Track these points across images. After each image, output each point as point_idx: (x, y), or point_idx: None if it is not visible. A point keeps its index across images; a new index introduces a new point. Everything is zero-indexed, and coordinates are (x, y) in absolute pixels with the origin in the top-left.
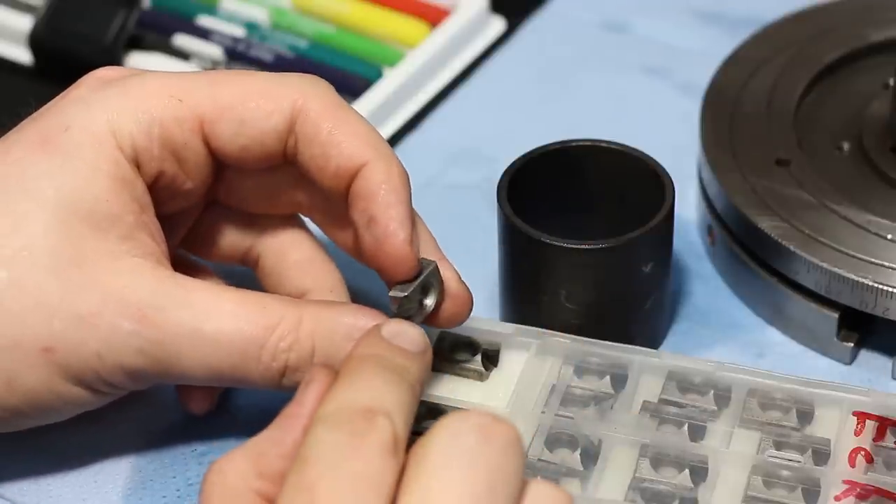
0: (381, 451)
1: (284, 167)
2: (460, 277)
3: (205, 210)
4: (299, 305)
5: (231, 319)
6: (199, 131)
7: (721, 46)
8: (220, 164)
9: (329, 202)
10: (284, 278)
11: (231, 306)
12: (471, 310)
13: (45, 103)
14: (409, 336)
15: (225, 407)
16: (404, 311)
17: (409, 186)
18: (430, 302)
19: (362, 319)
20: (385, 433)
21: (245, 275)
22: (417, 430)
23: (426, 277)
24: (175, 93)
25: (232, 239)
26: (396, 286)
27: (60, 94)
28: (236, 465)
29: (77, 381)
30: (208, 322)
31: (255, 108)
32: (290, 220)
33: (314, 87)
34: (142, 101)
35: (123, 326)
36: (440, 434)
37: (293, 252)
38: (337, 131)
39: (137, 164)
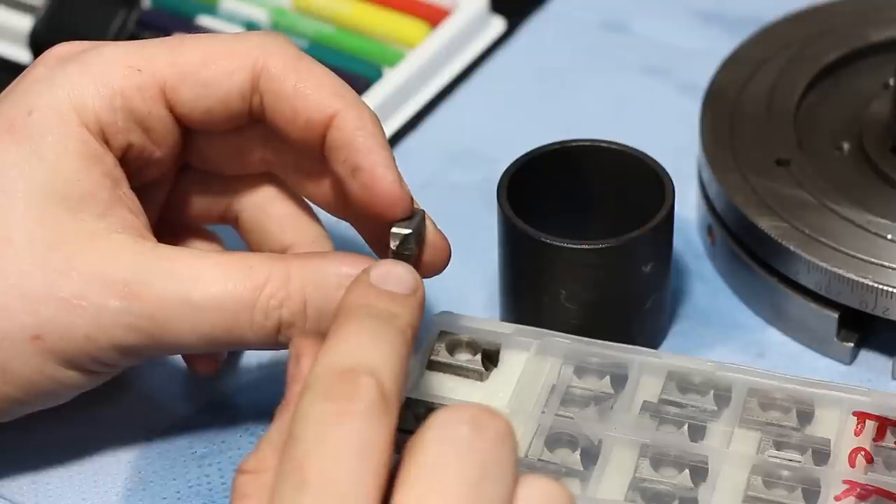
0: (368, 414)
1: (252, 127)
2: (436, 226)
3: (179, 174)
4: (286, 260)
5: (218, 284)
6: (162, 99)
7: (721, 46)
8: (188, 130)
9: (300, 158)
10: (266, 234)
11: (217, 271)
12: (449, 259)
13: None
14: (397, 277)
15: (225, 408)
16: (404, 248)
17: (383, 129)
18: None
19: (351, 267)
20: (370, 393)
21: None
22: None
23: (419, 221)
24: (134, 62)
25: (209, 200)
26: (395, 225)
27: (19, 76)
28: (270, 461)
29: (70, 365)
30: (195, 290)
31: (216, 69)
32: (267, 177)
33: (273, 42)
34: (101, 74)
35: (110, 305)
36: (432, 427)
37: (272, 207)
38: (302, 84)
39: (105, 139)
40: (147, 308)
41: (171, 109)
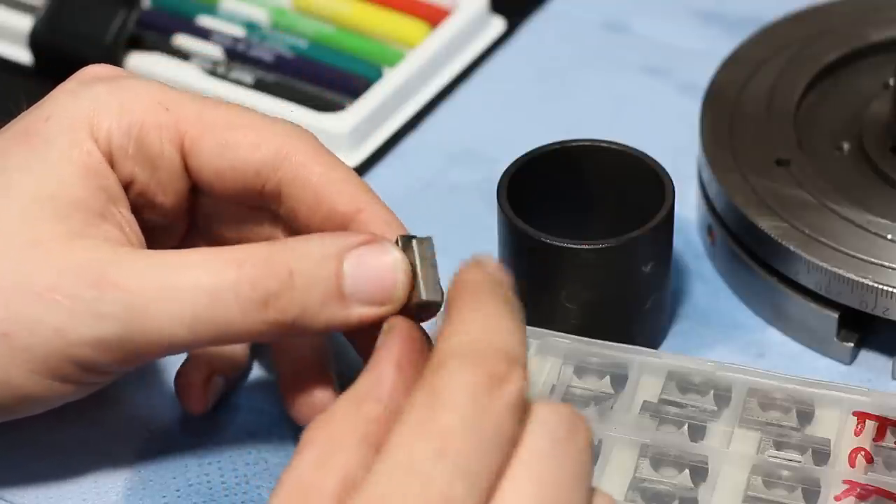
0: (514, 407)
1: (263, 210)
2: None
3: (188, 234)
4: (267, 243)
5: (198, 266)
6: (179, 144)
7: (721, 46)
8: (197, 189)
9: None
10: None
11: (197, 256)
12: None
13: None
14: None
15: (225, 407)
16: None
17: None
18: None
19: (333, 237)
20: (519, 386)
21: None
22: None
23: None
24: (163, 100)
25: None
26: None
27: (55, 88)
28: (342, 414)
29: (44, 369)
30: (175, 273)
31: (241, 136)
32: None
33: (299, 134)
34: (127, 100)
35: (84, 295)
36: (532, 422)
37: None
38: (328, 176)
39: (112, 162)
40: (123, 295)
41: (185, 160)
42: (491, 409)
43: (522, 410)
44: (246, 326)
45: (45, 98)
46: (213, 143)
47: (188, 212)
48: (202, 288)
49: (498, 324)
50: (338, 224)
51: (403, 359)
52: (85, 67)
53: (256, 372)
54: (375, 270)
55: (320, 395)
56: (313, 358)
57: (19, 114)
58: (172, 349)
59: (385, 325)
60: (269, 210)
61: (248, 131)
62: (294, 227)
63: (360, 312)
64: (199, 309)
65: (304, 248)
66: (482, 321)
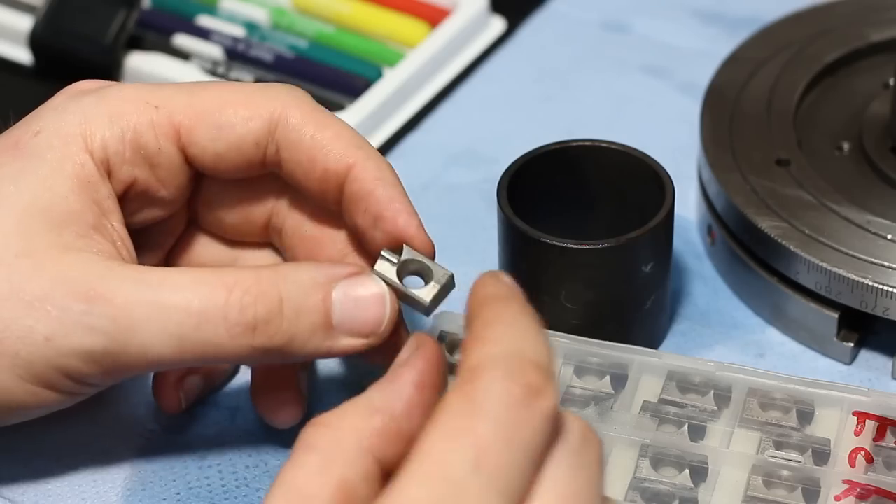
0: (549, 422)
1: (262, 186)
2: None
3: (186, 230)
4: (257, 268)
5: (187, 285)
6: (175, 138)
7: (721, 46)
8: (198, 176)
9: (306, 225)
10: None
11: (187, 276)
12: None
13: (30, 110)
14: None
15: (225, 408)
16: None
17: (399, 178)
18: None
19: (327, 266)
20: (554, 400)
21: None
22: None
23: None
24: (152, 100)
25: (213, 258)
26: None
27: (42, 105)
28: (350, 421)
29: (31, 376)
30: (163, 291)
31: (234, 114)
32: (268, 245)
33: (292, 94)
34: (116, 107)
35: (74, 307)
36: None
37: None
38: (320, 135)
39: (109, 169)
40: (112, 310)
41: (184, 150)
42: (528, 422)
43: (555, 426)
44: (232, 350)
45: (33, 113)
46: (208, 129)
47: (187, 205)
48: (191, 309)
49: (529, 336)
50: (333, 183)
51: (425, 380)
52: (72, 84)
53: None
54: (363, 303)
55: (287, 393)
56: None
57: (7, 128)
58: (158, 366)
59: (411, 341)
60: (266, 189)
61: (239, 106)
62: (289, 204)
63: (346, 343)
64: (187, 330)
65: (294, 275)
66: (513, 333)
